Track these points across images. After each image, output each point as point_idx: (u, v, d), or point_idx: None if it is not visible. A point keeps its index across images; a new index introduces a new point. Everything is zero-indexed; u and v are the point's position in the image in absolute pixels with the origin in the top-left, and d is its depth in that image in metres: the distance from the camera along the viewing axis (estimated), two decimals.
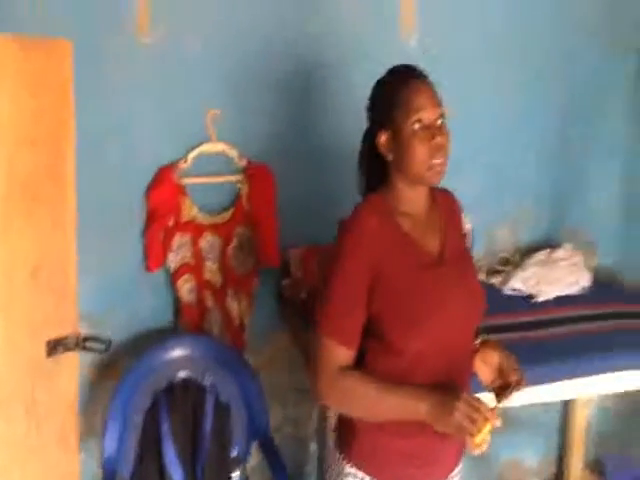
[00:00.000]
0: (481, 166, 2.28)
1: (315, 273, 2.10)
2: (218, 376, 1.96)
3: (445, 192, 1.45)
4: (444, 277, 1.30)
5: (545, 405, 2.56)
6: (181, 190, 2.00)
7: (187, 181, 2.01)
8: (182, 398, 1.90)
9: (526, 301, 2.15)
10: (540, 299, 2.14)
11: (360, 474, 1.33)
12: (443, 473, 1.38)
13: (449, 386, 1.25)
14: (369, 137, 1.37)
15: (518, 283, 2.17)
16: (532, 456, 2.73)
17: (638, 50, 2.44)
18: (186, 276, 2.04)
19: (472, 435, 1.15)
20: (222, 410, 1.93)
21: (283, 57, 2.06)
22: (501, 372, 1.34)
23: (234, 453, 1.95)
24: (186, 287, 2.05)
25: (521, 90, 2.35)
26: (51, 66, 1.45)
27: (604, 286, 2.27)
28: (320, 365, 1.28)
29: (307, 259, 2.13)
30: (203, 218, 2.04)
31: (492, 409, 1.19)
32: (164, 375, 1.93)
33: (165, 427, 1.85)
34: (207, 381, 1.95)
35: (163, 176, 1.98)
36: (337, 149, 2.17)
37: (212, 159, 2.03)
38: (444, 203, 1.42)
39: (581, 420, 2.63)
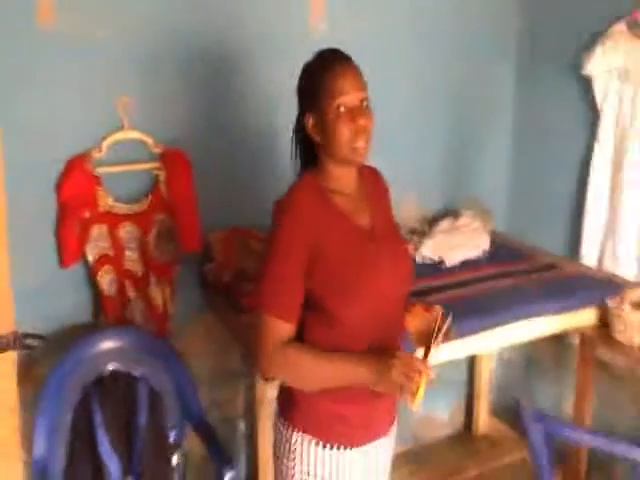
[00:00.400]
0: (388, 143, 2.41)
1: (237, 256, 2.14)
2: (147, 365, 1.95)
3: (372, 170, 1.52)
4: (377, 250, 1.38)
5: (452, 362, 2.77)
6: (96, 180, 1.95)
7: (101, 170, 1.96)
8: (113, 389, 1.89)
9: (436, 267, 2.32)
10: (449, 264, 2.31)
11: (307, 437, 1.40)
12: (381, 431, 1.47)
13: (384, 350, 1.34)
14: (299, 118, 1.41)
15: (428, 250, 2.33)
16: (443, 410, 2.96)
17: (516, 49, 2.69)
18: (106, 267, 2.01)
19: (411, 391, 1.24)
20: (155, 398, 1.93)
21: (191, 44, 2.05)
22: (427, 323, 1.42)
23: (171, 439, 1.96)
24: (106, 279, 2.01)
25: (424, 70, 2.51)
26: None
27: (500, 248, 2.49)
28: (263, 341, 1.33)
29: (228, 243, 2.16)
30: (120, 208, 2.01)
31: (424, 361, 1.28)
32: (92, 369, 1.89)
33: (98, 419, 1.83)
34: (137, 371, 1.94)
35: (75, 167, 1.92)
36: (252, 132, 2.21)
37: (127, 147, 2.00)
38: (371, 181, 1.49)
39: (485, 372, 2.88)
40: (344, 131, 1.30)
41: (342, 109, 1.30)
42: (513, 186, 2.81)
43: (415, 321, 1.46)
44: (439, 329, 1.35)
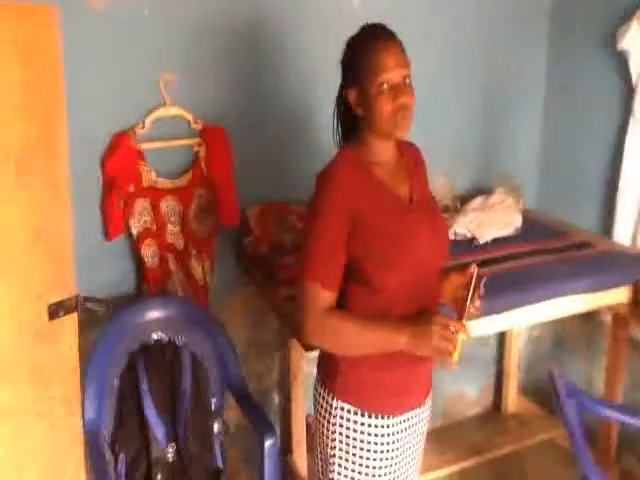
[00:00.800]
0: (419, 121, 2.45)
1: (273, 229, 2.20)
2: (190, 334, 2.02)
3: (410, 145, 1.55)
4: (416, 220, 1.42)
5: (481, 340, 2.80)
6: (140, 155, 2.01)
7: (145, 146, 2.02)
8: (158, 357, 1.95)
9: (469, 243, 2.34)
10: (481, 241, 2.33)
11: (346, 406, 1.44)
12: (418, 401, 1.51)
13: (422, 314, 1.38)
14: (341, 90, 1.45)
15: (460, 227, 2.35)
16: (472, 388, 2.98)
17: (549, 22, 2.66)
18: (148, 240, 2.07)
19: (450, 353, 1.28)
20: (198, 365, 1.99)
21: (234, 20, 2.09)
22: (461, 289, 1.44)
23: (212, 406, 2.02)
24: (149, 252, 2.08)
25: (456, 46, 2.51)
26: (40, 34, 1.42)
27: (533, 226, 2.49)
28: (306, 308, 1.37)
29: (265, 216, 2.21)
30: (163, 182, 2.07)
31: (460, 321, 1.32)
32: (137, 337, 1.97)
33: (144, 385, 1.89)
34: (180, 340, 2.00)
35: (120, 142, 1.98)
36: (289, 108, 2.25)
37: (168, 123, 2.05)
38: (410, 155, 1.53)
39: (515, 351, 2.90)
40: (386, 107, 1.33)
41: (385, 86, 1.33)
42: (545, 163, 2.80)
43: (450, 289, 1.49)
44: (474, 289, 1.37)
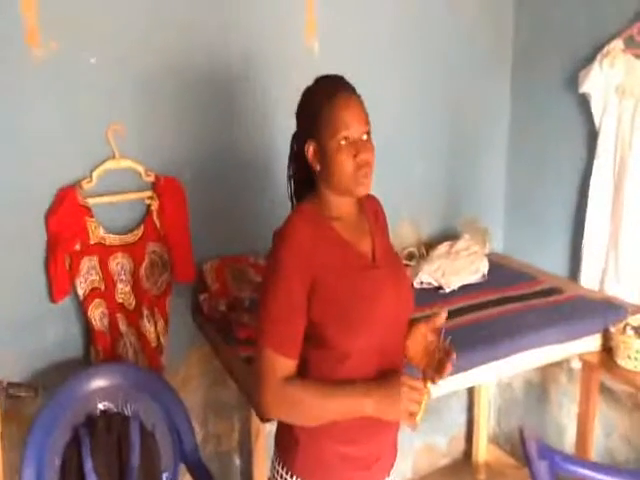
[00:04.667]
0: (380, 166, 2.40)
1: (232, 285, 2.08)
2: (140, 403, 1.87)
3: (370, 197, 1.48)
4: (380, 277, 1.34)
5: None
6: (86, 211, 1.88)
7: (92, 201, 1.90)
8: (105, 431, 1.80)
9: (436, 292, 2.27)
10: (448, 290, 2.27)
11: None
12: (385, 471, 1.42)
13: (388, 374, 1.29)
14: (297, 143, 1.37)
15: (426, 276, 2.28)
16: (442, 439, 2.90)
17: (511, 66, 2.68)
18: (97, 301, 1.93)
19: (415, 414, 1.24)
20: (148, 437, 1.85)
21: (184, 67, 2.00)
22: (429, 351, 1.38)
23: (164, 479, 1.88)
24: (97, 313, 1.94)
25: (417, 89, 2.48)
26: None
27: (500, 271, 2.45)
28: (264, 378, 1.27)
29: (222, 271, 2.10)
30: (112, 239, 1.94)
31: (426, 383, 1.28)
32: (82, 408, 1.81)
33: (88, 463, 1.74)
34: (129, 410, 1.86)
35: (65, 197, 1.85)
36: (246, 159, 2.16)
37: (118, 176, 1.94)
38: (369, 207, 1.46)
39: (484, 399, 2.83)
40: (347, 165, 1.27)
41: (344, 142, 1.27)
42: (511, 205, 2.78)
43: (418, 341, 1.41)
44: (440, 360, 1.31)
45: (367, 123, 1.30)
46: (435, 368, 1.32)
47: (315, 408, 1.27)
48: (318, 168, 1.32)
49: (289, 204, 1.42)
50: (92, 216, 1.90)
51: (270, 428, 2.09)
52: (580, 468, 1.83)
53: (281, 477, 1.37)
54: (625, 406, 2.36)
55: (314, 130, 1.30)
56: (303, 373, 1.31)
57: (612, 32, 2.21)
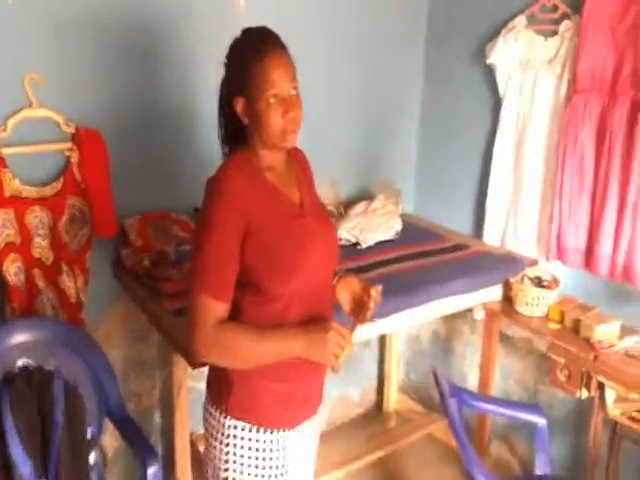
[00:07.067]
0: (304, 129, 2.45)
1: (156, 240, 2.07)
2: (61, 358, 1.85)
3: (296, 149, 1.52)
4: (309, 225, 1.40)
5: (363, 342, 2.86)
6: (1, 162, 1.80)
7: (7, 151, 1.81)
8: (25, 387, 1.75)
9: (354, 248, 2.37)
10: (364, 245, 2.38)
11: (240, 424, 1.39)
12: (313, 409, 1.50)
13: (317, 320, 1.37)
14: (226, 95, 1.39)
15: (345, 233, 2.38)
16: (355, 390, 3.04)
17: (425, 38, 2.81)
18: (12, 256, 1.87)
19: (339, 357, 1.32)
20: (71, 392, 1.81)
21: (108, 16, 1.94)
22: (357, 297, 1.48)
23: (88, 435, 1.86)
24: (13, 268, 1.87)
25: (335, 57, 2.53)
26: None
27: (412, 230, 2.59)
28: (197, 323, 1.30)
29: (146, 227, 2.08)
30: (29, 191, 1.87)
31: (352, 332, 1.37)
32: (0, 366, 1.76)
33: (8, 421, 1.69)
34: (50, 365, 1.82)
35: None
36: (171, 111, 2.13)
37: (36, 126, 1.86)
38: (297, 159, 1.51)
39: (395, 350, 2.99)
40: (275, 121, 1.30)
41: (273, 100, 1.30)
42: (421, 170, 2.93)
43: (347, 292, 1.50)
44: (369, 307, 1.43)
45: (295, 79, 1.34)
46: (359, 315, 1.43)
47: (247, 350, 1.32)
48: (247, 122, 1.35)
49: (214, 160, 1.43)
50: (6, 167, 1.82)
51: (192, 384, 2.14)
52: (483, 403, 2.09)
53: (214, 418, 1.42)
54: (520, 351, 2.59)
55: (243, 86, 1.32)
56: (235, 317, 1.35)
57: (517, 9, 2.36)
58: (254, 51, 1.30)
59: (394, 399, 3.06)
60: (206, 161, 1.42)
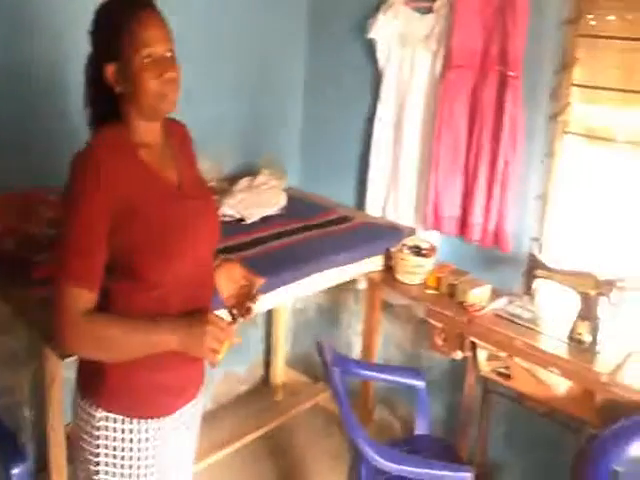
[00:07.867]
0: (185, 104, 2.36)
1: (21, 222, 1.90)
2: None
3: (176, 122, 1.44)
4: (189, 207, 1.32)
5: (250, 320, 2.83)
6: None
7: None
8: None
9: (238, 224, 2.33)
10: (249, 221, 2.35)
11: (112, 415, 1.31)
12: (193, 394, 1.44)
13: (196, 311, 1.30)
14: (94, 65, 1.28)
15: (228, 209, 2.33)
16: (241, 367, 3.02)
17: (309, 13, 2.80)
18: None
19: (218, 353, 1.26)
20: None
21: None
22: (238, 286, 1.45)
23: None
24: None
25: (218, 27, 2.45)
26: None
27: (296, 204, 2.59)
28: (63, 313, 1.20)
29: (7, 208, 1.90)
30: None
31: (232, 325, 1.32)
32: None
33: None
34: None
35: None
36: (34, 82, 1.95)
37: None
38: (176, 134, 1.42)
39: (281, 324, 3.01)
40: (152, 84, 1.22)
41: (147, 60, 1.22)
42: (306, 144, 2.93)
43: (228, 280, 1.45)
44: (251, 300, 1.40)
45: (170, 40, 1.26)
46: (241, 310, 1.40)
47: (118, 343, 1.24)
48: (120, 90, 1.25)
49: (86, 132, 1.31)
50: None
51: (68, 375, 2.00)
52: (365, 370, 2.18)
53: (86, 413, 1.32)
54: (401, 319, 2.70)
55: (114, 50, 1.22)
56: (108, 308, 1.26)
57: None
58: (123, 11, 1.22)
59: (281, 372, 3.08)
60: (78, 133, 1.30)
